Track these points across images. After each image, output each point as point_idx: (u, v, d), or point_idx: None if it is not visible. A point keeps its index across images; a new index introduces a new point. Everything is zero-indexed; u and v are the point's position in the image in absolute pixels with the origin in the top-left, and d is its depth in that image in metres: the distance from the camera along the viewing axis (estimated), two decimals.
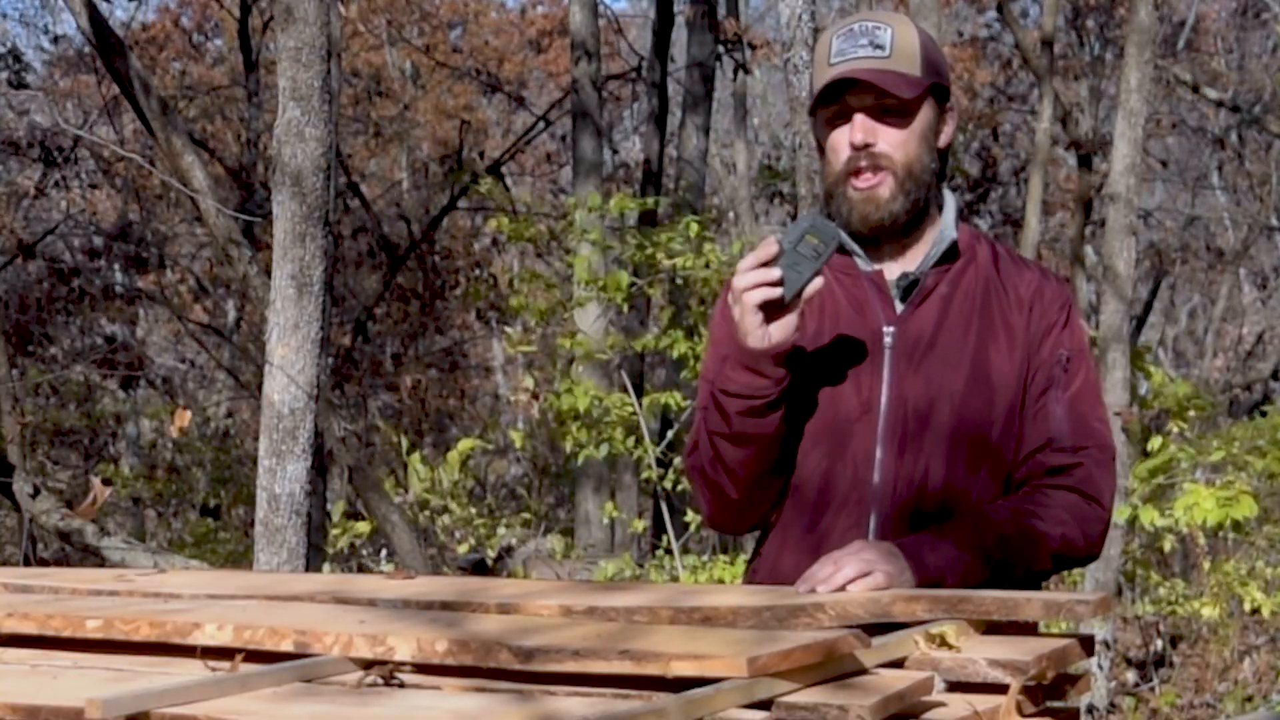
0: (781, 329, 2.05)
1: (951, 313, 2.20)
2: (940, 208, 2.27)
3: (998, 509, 2.14)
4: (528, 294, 7.32)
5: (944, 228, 2.24)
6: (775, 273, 2.02)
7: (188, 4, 16.77)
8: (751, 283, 2.03)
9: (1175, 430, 7.67)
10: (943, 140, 2.24)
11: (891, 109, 2.17)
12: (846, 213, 2.20)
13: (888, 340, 2.19)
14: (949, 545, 2.06)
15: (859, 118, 2.17)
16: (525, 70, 18.68)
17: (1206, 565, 7.68)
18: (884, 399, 2.18)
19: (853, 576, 1.95)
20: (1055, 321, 2.22)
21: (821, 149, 2.27)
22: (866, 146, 2.17)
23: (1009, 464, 2.20)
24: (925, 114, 2.20)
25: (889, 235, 2.22)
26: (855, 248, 2.24)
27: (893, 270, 2.24)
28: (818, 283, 2.03)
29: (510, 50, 18.54)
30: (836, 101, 2.18)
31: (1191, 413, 7.74)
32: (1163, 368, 8.64)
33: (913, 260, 2.24)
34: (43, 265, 13.40)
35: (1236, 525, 5.95)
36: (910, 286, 2.22)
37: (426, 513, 8.66)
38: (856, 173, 2.18)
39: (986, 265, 2.25)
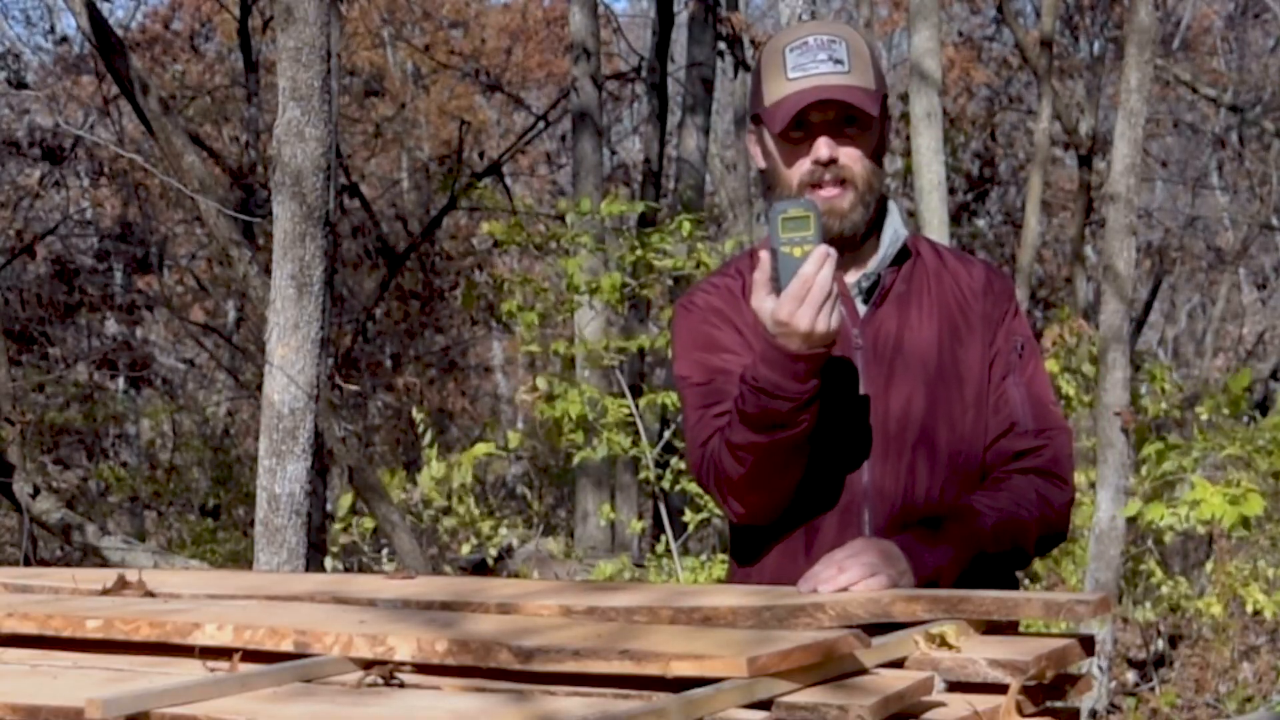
0: (838, 314, 2.02)
1: (912, 309, 2.24)
2: (884, 211, 2.31)
3: (981, 504, 2.16)
4: (521, 298, 7.32)
5: (895, 228, 2.27)
6: (826, 274, 1.98)
7: (180, 6, 16.76)
8: (809, 294, 1.99)
9: (1205, 415, 7.68)
10: (885, 144, 2.28)
11: (852, 123, 2.19)
12: None
13: (857, 343, 2.22)
14: (946, 545, 2.08)
15: (822, 135, 2.18)
16: (525, 70, 18.67)
17: (1210, 566, 7.68)
18: (860, 403, 2.21)
19: (855, 581, 1.96)
20: (1007, 310, 2.28)
21: (762, 158, 2.28)
22: (832, 162, 2.18)
23: (981, 450, 2.23)
24: (878, 126, 2.22)
25: (847, 245, 2.23)
26: None
27: (850, 275, 2.26)
28: (827, 252, 2.00)
29: (509, 49, 18.53)
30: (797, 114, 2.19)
31: (1226, 410, 7.75)
32: (1172, 374, 8.64)
33: (868, 264, 2.27)
34: (45, 266, 13.40)
35: (1245, 523, 5.96)
36: (871, 288, 2.25)
37: (431, 512, 8.66)
38: (817, 185, 2.19)
39: (934, 261, 2.30)
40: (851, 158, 2.19)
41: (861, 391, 2.21)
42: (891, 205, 2.31)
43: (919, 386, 2.20)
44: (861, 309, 2.24)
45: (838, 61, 2.17)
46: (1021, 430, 2.21)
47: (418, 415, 8.90)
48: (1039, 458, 2.21)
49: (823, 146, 2.18)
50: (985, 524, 2.13)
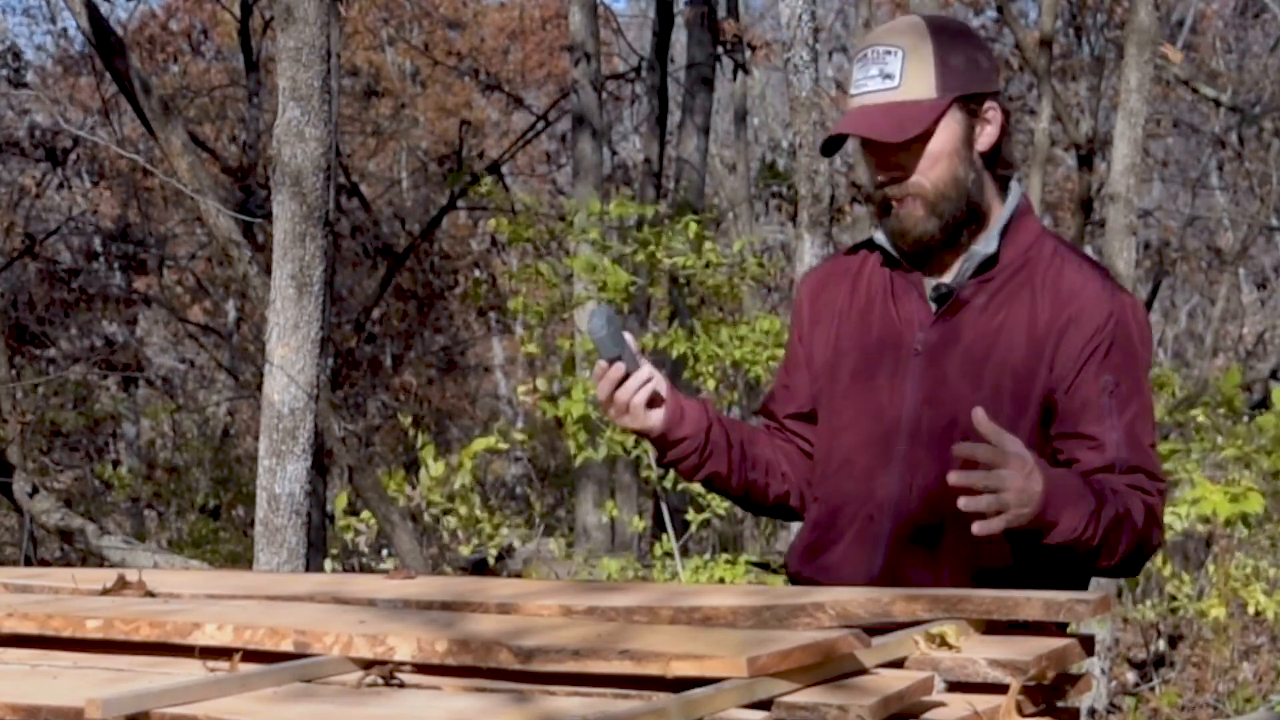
0: (656, 415, 2.23)
1: (984, 323, 2.18)
2: (1005, 205, 2.23)
3: (1121, 489, 2.09)
4: (527, 293, 7.34)
5: (986, 239, 2.21)
6: (617, 370, 2.19)
7: (178, 8, 16.76)
8: (607, 399, 2.21)
9: (1202, 418, 7.67)
10: (982, 144, 2.20)
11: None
12: (890, 231, 2.24)
13: (917, 349, 2.20)
14: (1084, 515, 2.02)
15: (879, 154, 2.18)
16: (524, 69, 18.67)
17: (1212, 568, 7.68)
18: (906, 407, 2.19)
19: (982, 506, 1.94)
20: (1096, 345, 2.14)
21: None
22: (892, 180, 2.18)
23: None
24: (949, 129, 2.17)
25: (931, 250, 2.22)
26: (897, 256, 2.26)
27: (930, 279, 2.24)
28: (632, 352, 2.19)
29: (507, 49, 18.53)
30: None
31: (1221, 410, 7.73)
32: (1179, 379, 8.63)
33: (950, 272, 2.23)
34: (44, 265, 13.39)
35: (1245, 521, 5.96)
36: (943, 297, 2.21)
37: (432, 512, 8.65)
38: (887, 198, 2.20)
39: (1046, 275, 2.19)
40: (919, 170, 2.16)
41: (908, 397, 2.19)
42: (1007, 208, 2.22)
43: (963, 402, 2.14)
44: (934, 317, 2.23)
45: (888, 76, 2.16)
46: (1122, 470, 2.11)
47: (404, 419, 8.91)
48: (1150, 497, 2.11)
49: (877, 170, 2.19)
50: (1113, 513, 2.06)
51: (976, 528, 1.96)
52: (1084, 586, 2.17)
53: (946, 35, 2.19)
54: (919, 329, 2.21)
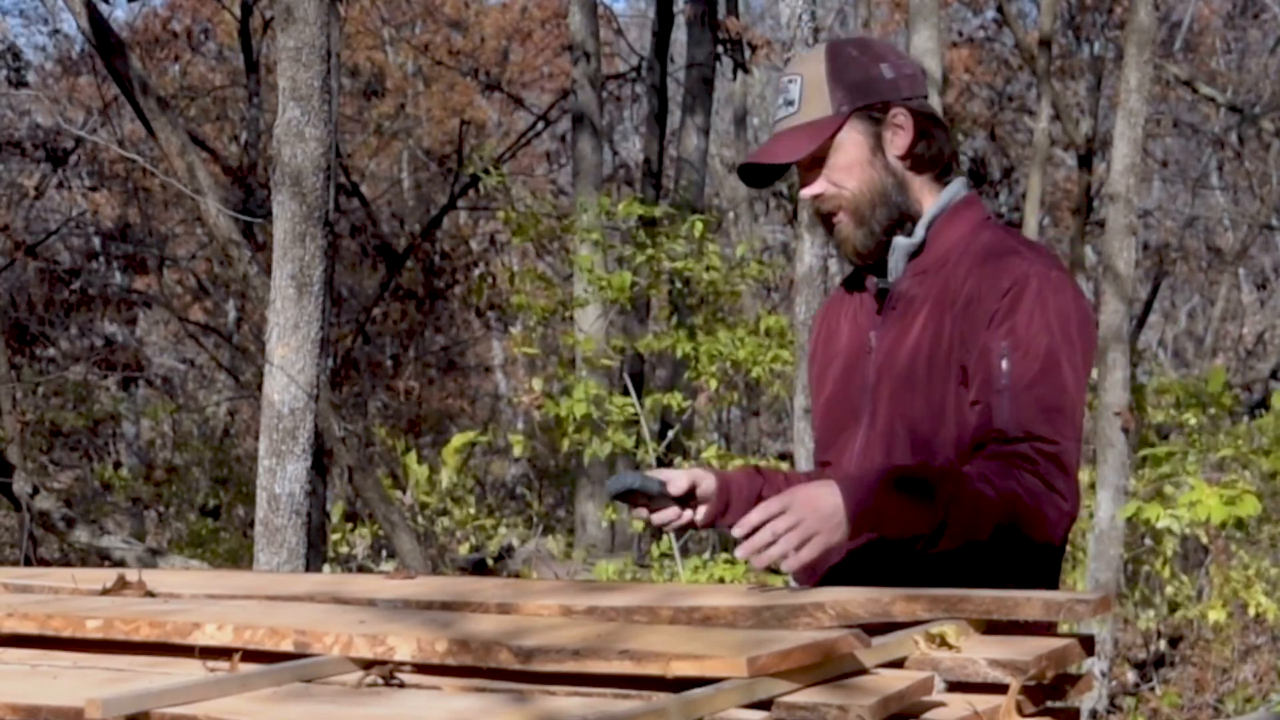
0: (700, 518, 2.26)
1: (913, 316, 2.23)
2: (936, 202, 2.28)
3: (986, 466, 2.08)
4: (529, 293, 7.36)
5: (903, 239, 2.26)
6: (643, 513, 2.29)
7: (180, 7, 16.76)
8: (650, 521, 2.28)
9: (1193, 420, 7.69)
10: (896, 149, 2.25)
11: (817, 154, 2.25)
12: (835, 248, 2.42)
13: (870, 348, 2.28)
14: (904, 502, 2.03)
15: (800, 176, 2.29)
16: (524, 69, 18.67)
17: (1213, 570, 7.68)
18: (865, 406, 2.27)
19: (783, 554, 1.98)
20: (996, 309, 2.13)
21: None
22: (816, 197, 2.27)
23: (953, 457, 2.17)
24: (853, 140, 2.24)
25: (870, 259, 2.29)
26: (855, 266, 2.37)
27: (875, 281, 2.32)
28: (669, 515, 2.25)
29: (506, 49, 18.52)
30: None
31: (1213, 409, 7.75)
32: (1166, 376, 8.65)
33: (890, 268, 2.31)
34: (44, 266, 13.39)
35: (1240, 524, 5.96)
36: (881, 294, 2.28)
37: (426, 513, 8.65)
38: (822, 215, 2.31)
39: (967, 262, 2.20)
40: (833, 183, 2.25)
41: (866, 398, 2.26)
42: (938, 203, 2.25)
43: (896, 395, 2.22)
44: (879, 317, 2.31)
45: (789, 104, 2.27)
46: (1012, 437, 2.09)
47: (379, 432, 8.90)
48: (1032, 465, 2.08)
49: (801, 189, 2.31)
50: (946, 495, 2.04)
51: (785, 565, 1.99)
52: (1055, 580, 2.20)
53: (844, 55, 2.27)
54: (872, 330, 2.28)
